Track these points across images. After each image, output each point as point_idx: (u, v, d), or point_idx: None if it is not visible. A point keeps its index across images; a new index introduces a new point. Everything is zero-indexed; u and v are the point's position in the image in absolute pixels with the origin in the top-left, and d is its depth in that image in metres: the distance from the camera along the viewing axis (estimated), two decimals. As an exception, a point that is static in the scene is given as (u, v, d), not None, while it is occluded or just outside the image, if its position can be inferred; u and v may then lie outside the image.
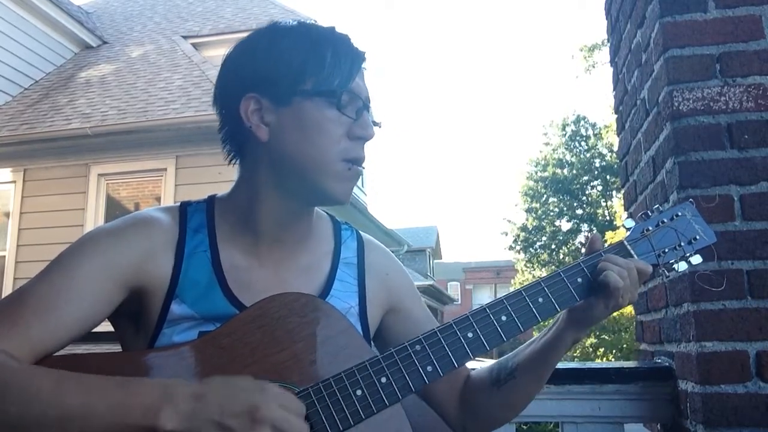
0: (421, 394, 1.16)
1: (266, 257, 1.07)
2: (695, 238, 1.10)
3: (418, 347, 0.96)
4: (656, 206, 1.13)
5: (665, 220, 1.10)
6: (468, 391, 1.15)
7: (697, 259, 1.09)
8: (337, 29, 1.07)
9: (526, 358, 1.09)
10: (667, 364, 1.64)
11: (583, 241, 21.95)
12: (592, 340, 15.85)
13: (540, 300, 1.01)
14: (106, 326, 1.01)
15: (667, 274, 1.10)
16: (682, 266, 1.09)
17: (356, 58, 1.05)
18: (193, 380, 0.90)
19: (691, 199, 1.15)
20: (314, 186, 1.02)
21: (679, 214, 1.11)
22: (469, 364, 1.08)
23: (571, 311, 1.05)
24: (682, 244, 1.09)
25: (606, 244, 1.11)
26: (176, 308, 0.99)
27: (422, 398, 1.17)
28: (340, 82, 1.02)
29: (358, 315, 1.11)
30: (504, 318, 0.99)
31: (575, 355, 15.76)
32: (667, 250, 1.09)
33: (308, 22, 1.09)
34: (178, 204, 1.10)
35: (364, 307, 1.12)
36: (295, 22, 1.08)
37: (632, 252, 1.08)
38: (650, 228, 1.10)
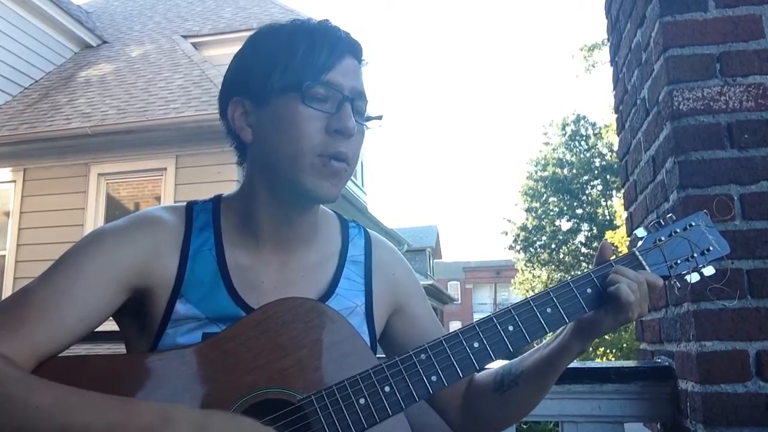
0: None
1: (271, 257, 1.06)
2: (708, 249, 1.06)
3: (423, 356, 0.94)
4: (669, 215, 1.10)
5: (678, 230, 1.07)
6: (471, 395, 1.14)
7: (709, 271, 1.06)
8: (328, 22, 1.04)
9: (530, 366, 1.07)
10: (667, 363, 1.63)
11: (584, 240, 21.95)
12: (592, 339, 15.82)
13: (548, 310, 0.99)
14: (107, 326, 1.00)
15: (679, 285, 1.07)
16: (694, 277, 1.06)
17: (335, 48, 1.00)
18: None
19: (705, 210, 1.12)
20: (292, 183, 0.99)
21: (693, 224, 1.08)
22: None
23: (578, 322, 1.02)
24: (695, 255, 1.06)
25: (607, 243, 1.09)
26: (181, 308, 0.98)
27: (425, 399, 1.17)
28: (313, 74, 0.98)
29: (364, 314, 1.09)
30: (511, 328, 0.97)
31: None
32: (679, 261, 1.05)
33: (302, 19, 1.06)
34: (185, 203, 1.09)
35: (371, 306, 1.11)
36: (286, 21, 1.06)
37: (643, 262, 1.05)
38: (662, 238, 1.07)
